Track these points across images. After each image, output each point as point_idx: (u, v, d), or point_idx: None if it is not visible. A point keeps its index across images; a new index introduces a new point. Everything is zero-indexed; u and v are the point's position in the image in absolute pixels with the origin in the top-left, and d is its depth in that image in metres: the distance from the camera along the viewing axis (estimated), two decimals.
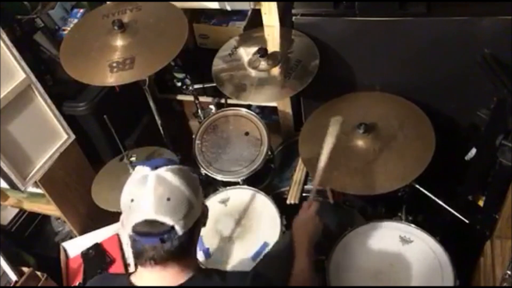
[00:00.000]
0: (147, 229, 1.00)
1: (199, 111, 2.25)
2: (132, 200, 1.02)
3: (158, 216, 0.99)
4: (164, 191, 1.01)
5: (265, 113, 2.34)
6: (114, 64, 1.73)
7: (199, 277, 1.08)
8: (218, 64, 1.93)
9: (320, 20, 1.83)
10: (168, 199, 1.00)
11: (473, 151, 1.54)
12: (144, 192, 1.01)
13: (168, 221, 1.00)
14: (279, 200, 1.78)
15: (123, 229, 1.08)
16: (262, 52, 1.82)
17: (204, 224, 1.13)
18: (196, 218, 1.06)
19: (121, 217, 1.07)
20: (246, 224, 1.73)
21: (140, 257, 1.05)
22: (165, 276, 1.06)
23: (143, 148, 2.16)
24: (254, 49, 1.88)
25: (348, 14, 1.77)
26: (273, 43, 1.92)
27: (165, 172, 1.03)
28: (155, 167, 1.04)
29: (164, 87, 2.45)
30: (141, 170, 1.06)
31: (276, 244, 1.59)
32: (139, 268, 1.09)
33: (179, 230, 1.01)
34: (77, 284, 2.06)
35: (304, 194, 1.84)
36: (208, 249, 1.67)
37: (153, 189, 1.01)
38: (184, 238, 1.04)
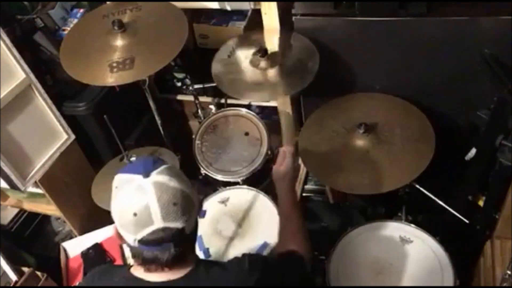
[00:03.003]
0: (158, 238, 0.98)
1: (199, 111, 2.25)
2: (135, 214, 0.97)
3: (168, 223, 0.97)
4: (169, 197, 0.98)
5: (265, 113, 2.34)
6: (114, 64, 1.73)
7: (200, 268, 1.08)
8: (218, 63, 1.93)
9: (320, 20, 1.83)
10: (174, 204, 0.98)
11: (473, 151, 1.54)
12: (148, 203, 0.97)
13: (178, 225, 0.98)
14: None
15: (120, 242, 1.05)
16: (262, 52, 1.82)
17: (199, 214, 1.09)
18: (197, 213, 1.06)
19: (117, 230, 1.03)
20: (246, 224, 1.73)
21: (150, 264, 1.03)
22: (166, 271, 1.05)
23: (143, 148, 2.16)
24: (253, 49, 1.88)
25: (348, 14, 1.77)
26: (273, 43, 1.92)
27: (160, 176, 1.00)
28: (145, 173, 0.99)
29: (164, 87, 2.45)
30: (131, 180, 1.00)
31: None
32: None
33: (188, 229, 1.01)
34: (77, 284, 2.06)
35: (304, 194, 1.84)
36: (208, 249, 1.67)
37: (156, 198, 0.97)
38: (191, 235, 1.04)
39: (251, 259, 1.14)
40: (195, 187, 1.13)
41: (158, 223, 0.97)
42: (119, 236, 1.03)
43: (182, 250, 1.02)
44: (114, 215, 1.02)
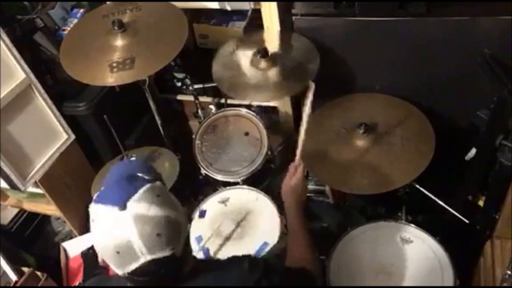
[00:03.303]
0: (148, 269, 0.93)
1: (199, 111, 2.25)
2: (118, 252, 0.91)
3: (155, 255, 0.92)
4: (151, 229, 0.91)
5: (265, 113, 2.34)
6: (114, 64, 1.73)
7: (198, 270, 1.06)
8: (218, 63, 1.93)
9: (320, 20, 1.83)
10: (158, 235, 0.91)
11: (473, 151, 1.54)
12: (129, 239, 0.90)
13: (166, 253, 0.93)
14: (279, 200, 1.78)
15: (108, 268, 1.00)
16: (263, 52, 1.81)
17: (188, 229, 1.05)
18: (186, 231, 1.01)
19: (103, 260, 0.97)
20: (246, 224, 1.73)
21: (144, 285, 1.00)
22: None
23: (143, 148, 2.16)
24: (254, 49, 1.87)
25: (348, 14, 1.77)
26: (273, 43, 1.92)
27: (139, 206, 0.92)
28: (121, 205, 0.92)
29: (164, 87, 2.45)
30: (108, 214, 0.93)
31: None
32: None
33: (178, 253, 0.97)
34: (77, 284, 2.06)
35: None
36: (208, 249, 1.67)
37: (137, 233, 0.90)
38: (182, 254, 0.99)
39: (252, 260, 1.13)
40: (191, 204, 1.09)
41: (144, 257, 0.92)
42: (106, 263, 0.98)
43: (176, 269, 0.99)
44: (97, 249, 0.97)
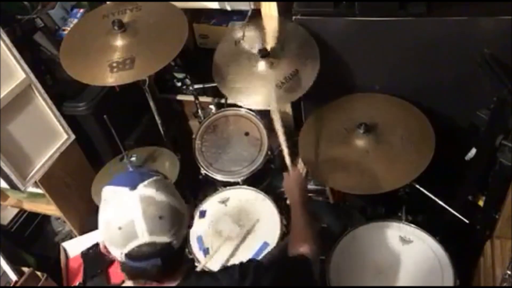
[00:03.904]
0: (145, 252, 0.95)
1: (199, 111, 2.25)
2: (119, 228, 0.95)
3: (154, 238, 0.95)
4: (154, 210, 0.95)
5: (265, 113, 2.34)
6: (114, 64, 1.73)
7: (190, 279, 1.06)
8: (219, 57, 1.91)
9: (320, 20, 1.83)
10: (160, 218, 0.95)
11: (473, 151, 1.54)
12: (133, 217, 0.94)
13: (165, 239, 0.96)
14: (279, 200, 1.78)
15: (107, 254, 1.02)
16: (263, 52, 1.81)
17: (189, 226, 1.07)
18: (187, 225, 1.04)
19: (103, 243, 1.01)
20: (246, 224, 1.73)
21: (137, 278, 1.01)
22: (155, 285, 1.03)
23: (143, 148, 2.16)
24: (254, 49, 1.86)
25: (348, 14, 1.77)
26: (273, 43, 1.92)
27: (147, 189, 0.97)
28: (132, 186, 0.97)
29: (164, 87, 2.45)
30: (118, 193, 0.98)
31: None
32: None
33: (176, 243, 0.99)
34: (77, 284, 2.06)
35: None
36: (208, 249, 1.67)
37: (141, 212, 0.94)
38: (180, 248, 1.02)
39: (242, 268, 1.13)
40: (191, 204, 1.11)
41: (144, 237, 0.94)
42: (106, 250, 1.01)
43: (171, 264, 1.01)
44: (100, 228, 1.00)
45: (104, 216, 0.99)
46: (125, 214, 0.95)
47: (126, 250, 0.96)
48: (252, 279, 1.09)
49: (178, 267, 1.05)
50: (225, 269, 1.16)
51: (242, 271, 1.11)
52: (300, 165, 1.72)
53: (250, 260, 1.18)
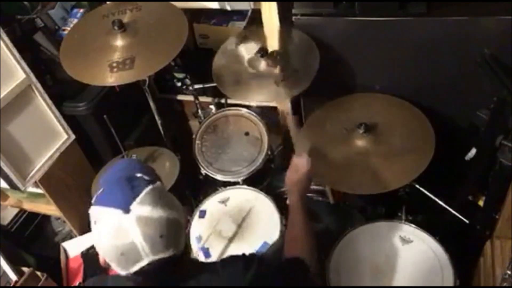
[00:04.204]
0: (152, 268, 0.95)
1: (199, 111, 2.25)
2: (122, 254, 0.93)
3: (158, 255, 0.95)
4: (154, 230, 0.93)
5: (265, 113, 2.34)
6: (114, 64, 1.73)
7: (194, 270, 1.07)
8: (218, 61, 1.92)
9: (320, 20, 1.83)
10: (161, 236, 0.94)
11: (473, 151, 1.54)
12: (133, 241, 0.92)
13: (169, 252, 0.96)
14: (279, 200, 1.78)
15: (109, 267, 1.01)
16: (263, 52, 1.81)
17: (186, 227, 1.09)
18: (186, 231, 1.05)
19: (105, 261, 0.99)
20: (246, 224, 1.73)
21: (144, 285, 1.00)
22: None
23: (143, 148, 2.16)
24: (254, 46, 1.87)
25: (348, 14, 1.77)
26: (273, 43, 1.92)
27: (142, 208, 0.93)
28: (125, 208, 0.93)
29: (164, 87, 2.45)
30: (110, 217, 0.94)
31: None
32: None
33: (179, 253, 0.99)
34: (77, 284, 2.06)
35: None
36: (208, 249, 1.67)
37: (141, 235, 0.92)
38: (182, 254, 1.02)
39: (246, 259, 1.13)
40: (189, 204, 1.10)
41: (148, 258, 0.94)
42: (107, 265, 0.99)
43: (177, 268, 1.01)
44: (100, 252, 0.98)
45: (100, 241, 0.96)
46: (124, 240, 0.93)
47: (133, 270, 0.95)
48: (256, 269, 1.09)
49: (182, 264, 1.04)
50: (229, 258, 1.16)
51: (246, 262, 1.11)
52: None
53: (255, 253, 1.18)
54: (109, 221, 0.94)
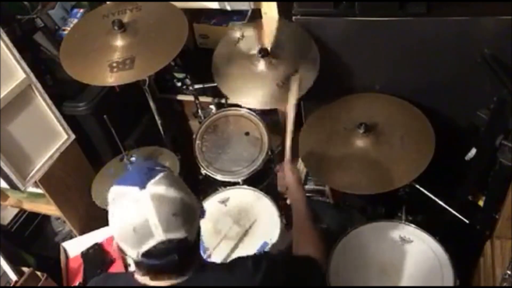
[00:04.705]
0: (162, 250, 0.95)
1: (199, 111, 2.25)
2: (134, 229, 0.94)
3: (169, 235, 0.95)
4: (168, 208, 0.95)
5: (265, 113, 2.34)
6: (114, 64, 1.73)
7: (204, 270, 1.06)
8: (219, 56, 1.91)
9: (320, 20, 1.83)
10: (174, 215, 0.95)
11: (473, 151, 1.54)
12: (146, 217, 0.94)
13: (181, 235, 0.96)
14: (279, 200, 1.78)
15: (121, 254, 1.03)
16: (263, 52, 1.81)
17: (202, 216, 1.07)
18: (200, 216, 1.04)
19: (117, 244, 1.00)
20: (246, 224, 1.73)
21: (155, 274, 1.01)
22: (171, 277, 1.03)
23: (143, 148, 2.16)
24: (254, 49, 1.86)
25: (348, 14, 1.77)
26: (273, 43, 1.92)
27: (158, 187, 0.96)
28: (141, 185, 0.96)
29: (164, 87, 2.45)
30: (127, 193, 0.96)
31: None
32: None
33: (191, 238, 0.99)
34: (77, 284, 2.06)
35: None
36: (208, 249, 1.67)
37: (155, 211, 0.94)
38: (195, 242, 1.02)
39: (255, 259, 1.13)
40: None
41: (160, 236, 0.94)
42: (120, 250, 1.00)
43: (187, 258, 1.01)
44: (113, 230, 0.99)
45: (116, 217, 0.98)
46: (138, 215, 0.94)
47: (143, 249, 0.95)
48: (265, 269, 1.09)
49: (194, 260, 1.05)
50: (238, 259, 1.15)
51: (255, 262, 1.10)
52: (300, 165, 1.71)
53: (263, 253, 1.17)
54: (125, 197, 0.97)
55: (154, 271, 1.01)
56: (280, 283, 1.12)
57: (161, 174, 0.99)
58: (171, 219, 0.95)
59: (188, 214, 0.99)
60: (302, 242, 1.31)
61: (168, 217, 0.95)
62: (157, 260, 0.97)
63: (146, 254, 0.96)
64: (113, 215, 0.99)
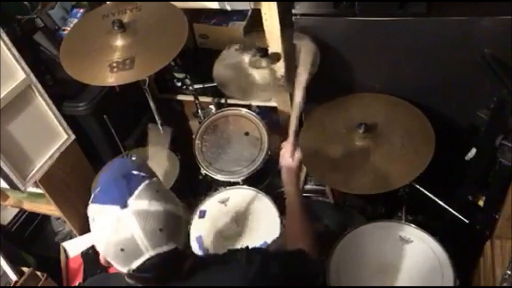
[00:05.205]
0: (153, 263, 0.93)
1: (199, 111, 2.25)
2: (122, 250, 0.92)
3: (158, 250, 0.93)
4: (153, 224, 0.92)
5: (265, 113, 2.34)
6: (114, 64, 1.73)
7: (198, 267, 1.06)
8: (219, 64, 1.92)
9: (320, 20, 1.83)
10: (161, 230, 0.92)
11: (473, 151, 1.55)
12: (133, 236, 0.91)
13: (169, 247, 0.94)
14: (279, 200, 1.78)
15: (109, 266, 0.99)
16: (263, 52, 1.81)
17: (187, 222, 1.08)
18: (187, 224, 1.04)
19: (105, 259, 0.98)
20: (246, 224, 1.73)
21: (145, 283, 1.00)
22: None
23: (143, 148, 2.16)
24: (254, 49, 1.87)
25: (348, 14, 1.77)
26: (273, 43, 1.92)
27: (139, 202, 0.93)
28: (122, 203, 0.92)
29: (164, 87, 2.45)
30: (109, 213, 0.93)
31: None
32: None
33: (180, 245, 0.97)
34: (77, 284, 2.06)
35: (304, 194, 1.84)
36: (208, 249, 1.67)
37: (140, 229, 0.91)
38: (185, 245, 1.01)
39: (249, 252, 1.12)
40: (190, 204, 1.08)
41: (148, 252, 0.92)
42: (107, 263, 0.98)
43: (179, 263, 1.00)
44: (99, 249, 0.97)
45: (99, 237, 0.96)
46: (124, 235, 0.91)
47: (134, 266, 0.94)
48: (259, 264, 1.08)
49: (185, 260, 1.04)
50: (231, 252, 1.15)
51: (249, 256, 1.10)
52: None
53: (257, 248, 1.16)
54: (107, 217, 0.93)
55: (144, 281, 1.00)
56: (274, 276, 1.11)
57: (141, 186, 0.95)
58: (158, 234, 0.92)
59: (175, 225, 0.96)
60: (291, 231, 1.32)
61: (155, 232, 0.92)
62: (149, 273, 0.96)
63: (137, 270, 0.95)
64: (96, 236, 0.96)
